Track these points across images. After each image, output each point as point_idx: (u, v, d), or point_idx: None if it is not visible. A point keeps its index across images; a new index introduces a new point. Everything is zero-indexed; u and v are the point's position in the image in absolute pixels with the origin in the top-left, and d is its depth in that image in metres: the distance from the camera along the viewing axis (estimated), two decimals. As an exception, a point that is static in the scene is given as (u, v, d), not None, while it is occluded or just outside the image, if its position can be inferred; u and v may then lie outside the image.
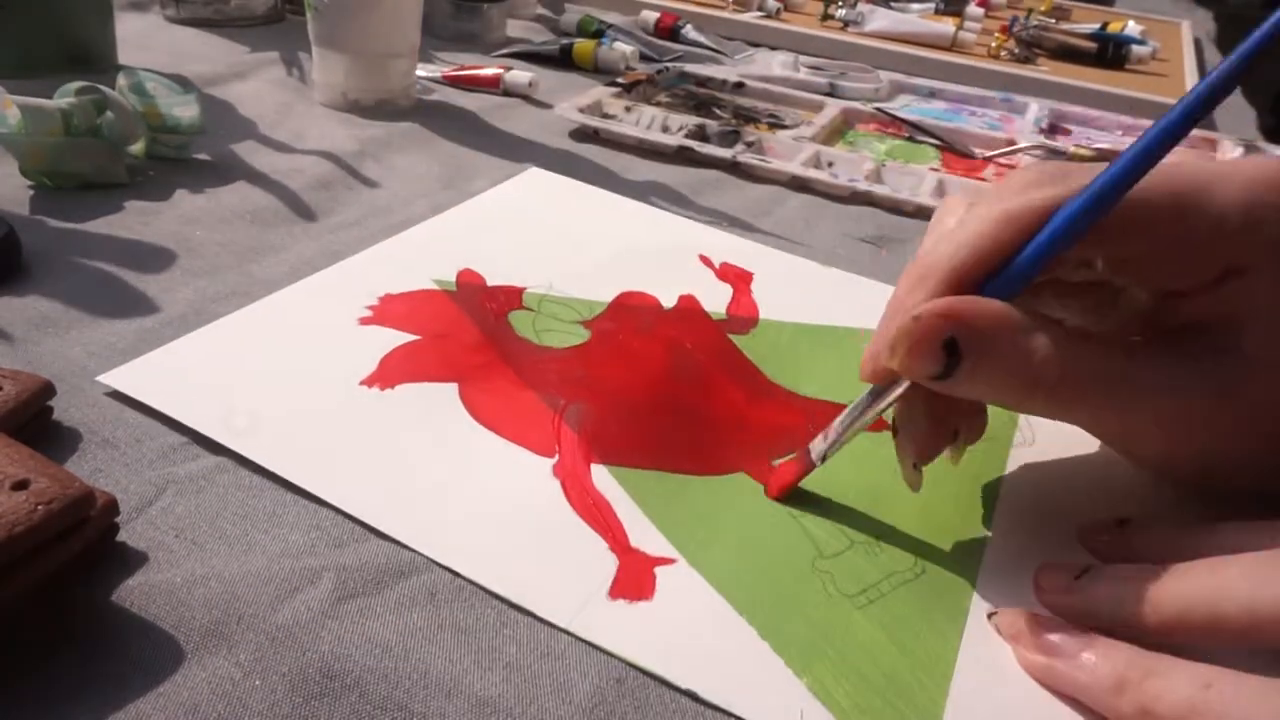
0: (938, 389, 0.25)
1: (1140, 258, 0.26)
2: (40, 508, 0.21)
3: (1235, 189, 0.25)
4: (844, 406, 0.33)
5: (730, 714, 0.22)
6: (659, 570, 0.25)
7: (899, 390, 0.26)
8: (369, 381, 0.31)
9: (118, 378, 0.30)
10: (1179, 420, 0.25)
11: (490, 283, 0.38)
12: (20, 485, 0.21)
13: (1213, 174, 0.25)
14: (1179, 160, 0.24)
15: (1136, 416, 0.25)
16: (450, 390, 0.31)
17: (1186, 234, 0.25)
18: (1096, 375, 0.25)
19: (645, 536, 0.26)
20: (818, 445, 0.27)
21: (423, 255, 0.39)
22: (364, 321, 0.34)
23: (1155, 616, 0.23)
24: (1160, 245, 0.25)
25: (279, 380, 0.30)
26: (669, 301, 0.38)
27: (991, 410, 0.33)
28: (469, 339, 0.34)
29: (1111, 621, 0.24)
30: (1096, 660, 0.22)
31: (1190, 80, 0.81)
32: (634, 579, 0.25)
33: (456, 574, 0.24)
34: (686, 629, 0.23)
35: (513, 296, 0.37)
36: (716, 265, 0.41)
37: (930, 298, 0.25)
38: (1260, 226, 0.24)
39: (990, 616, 0.25)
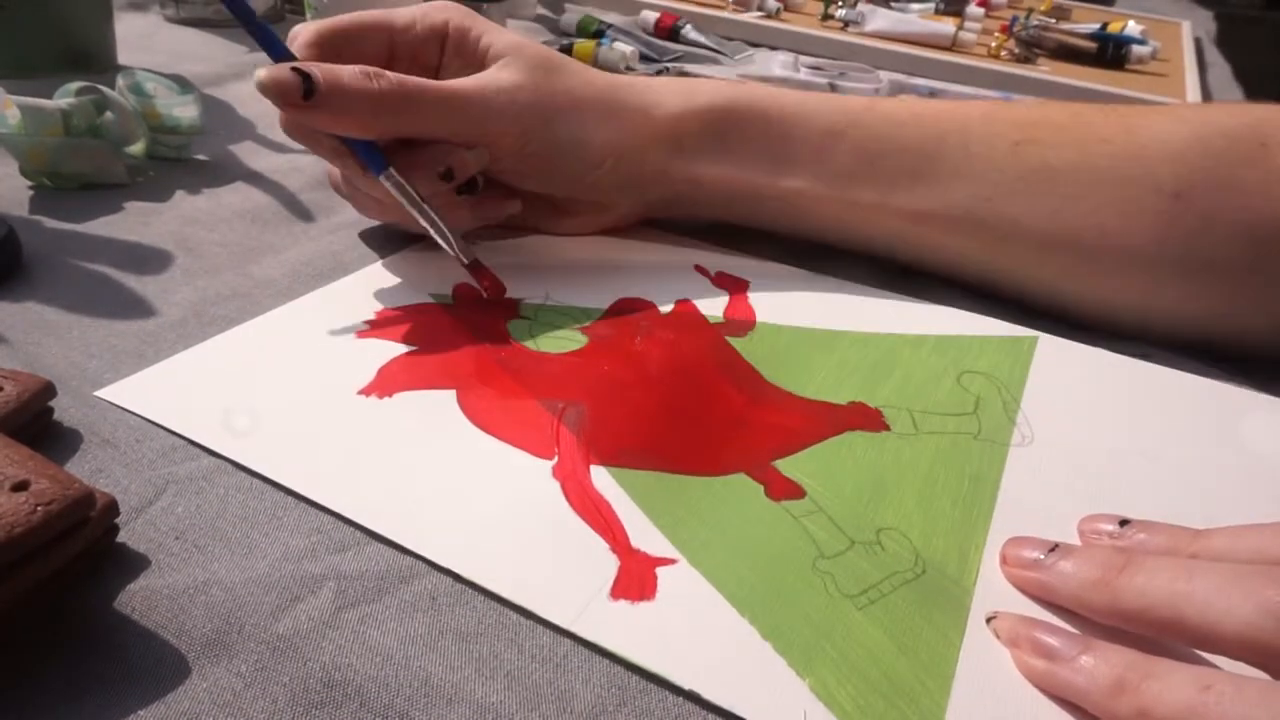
0: (308, 117, 0.34)
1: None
2: (40, 509, 0.21)
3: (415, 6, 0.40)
4: (842, 406, 0.33)
5: (733, 715, 0.21)
6: (660, 571, 0.25)
7: (393, 186, 0.35)
8: (367, 391, 0.31)
9: (116, 393, 0.30)
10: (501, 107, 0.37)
11: (486, 296, 0.38)
12: (20, 486, 0.21)
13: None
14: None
15: (466, 107, 0.36)
16: (448, 396, 0.31)
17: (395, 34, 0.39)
18: (417, 79, 0.35)
19: (646, 537, 0.26)
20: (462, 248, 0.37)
21: (419, 272, 0.39)
22: (361, 335, 0.34)
23: (1114, 606, 0.23)
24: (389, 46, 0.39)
25: (278, 393, 0.30)
26: (665, 306, 0.38)
27: (991, 411, 0.33)
28: (467, 347, 0.34)
29: (1070, 602, 0.24)
30: (1095, 663, 0.22)
31: (1190, 79, 0.81)
32: (635, 580, 0.25)
33: (458, 577, 0.24)
34: (688, 630, 0.23)
35: (509, 306, 0.37)
36: (712, 274, 0.41)
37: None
38: None
39: (989, 621, 0.25)
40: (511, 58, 0.38)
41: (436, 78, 0.38)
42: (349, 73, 0.33)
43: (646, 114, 0.40)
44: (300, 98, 0.32)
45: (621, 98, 0.40)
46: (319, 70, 0.33)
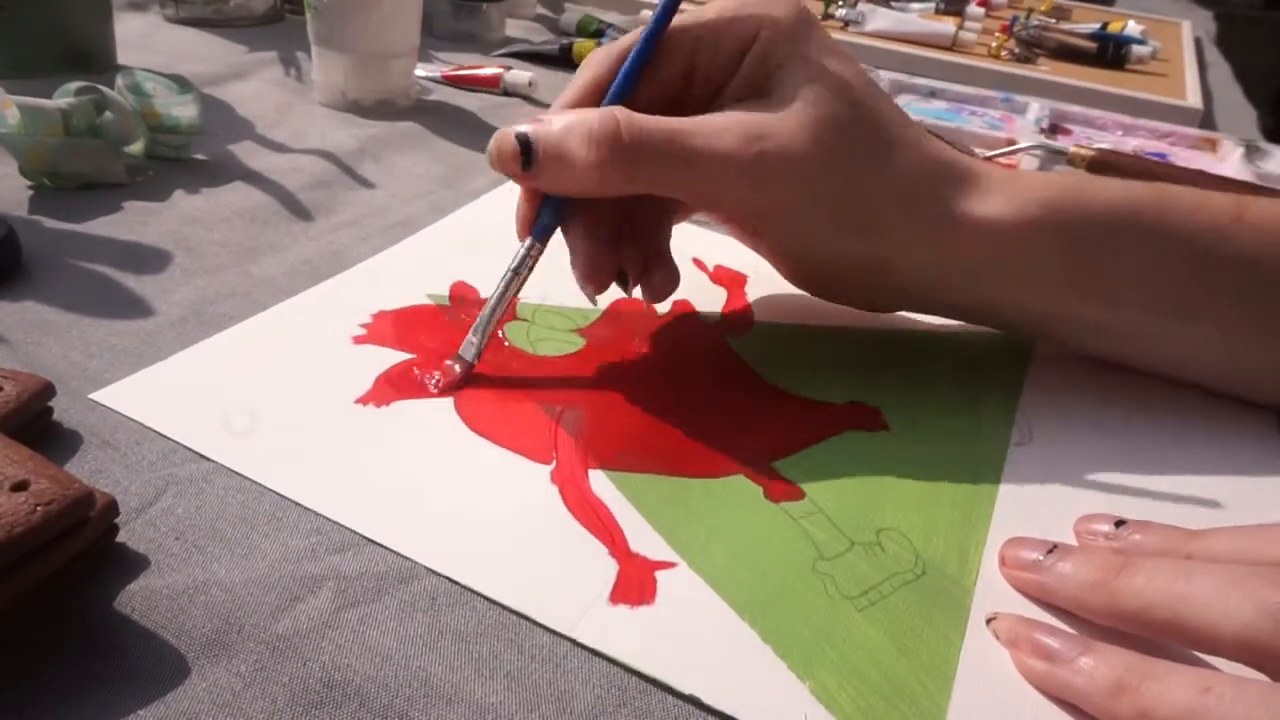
0: (527, 183, 0.31)
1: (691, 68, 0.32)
2: (40, 509, 0.21)
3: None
4: (840, 406, 0.33)
5: (734, 719, 0.21)
6: (660, 574, 0.25)
7: (523, 251, 0.32)
8: (364, 400, 0.31)
9: (111, 396, 0.29)
10: (745, 164, 0.29)
11: (483, 295, 0.37)
12: (20, 486, 0.21)
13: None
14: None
15: (707, 167, 0.29)
16: (446, 401, 0.31)
17: (704, 36, 0.31)
18: (661, 128, 0.29)
19: (645, 541, 0.26)
20: (472, 341, 0.32)
21: (415, 270, 0.39)
22: (357, 340, 0.34)
23: (1112, 607, 0.23)
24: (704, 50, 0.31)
25: (274, 398, 0.30)
26: (662, 307, 0.38)
27: (990, 409, 0.33)
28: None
29: (1069, 603, 0.25)
30: (1094, 664, 0.22)
31: (1190, 79, 0.81)
32: (635, 584, 0.25)
33: (458, 581, 0.24)
34: (688, 633, 0.23)
35: (506, 308, 0.37)
36: (710, 269, 0.41)
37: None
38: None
39: (989, 622, 0.25)
40: (803, 104, 0.30)
41: (715, 104, 0.32)
42: (573, 137, 0.29)
43: (975, 231, 0.31)
44: (519, 168, 0.30)
45: (950, 202, 0.31)
46: (542, 140, 0.30)
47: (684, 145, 0.29)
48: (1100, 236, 0.32)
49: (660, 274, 0.34)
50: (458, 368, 0.32)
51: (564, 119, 0.30)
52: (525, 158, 0.30)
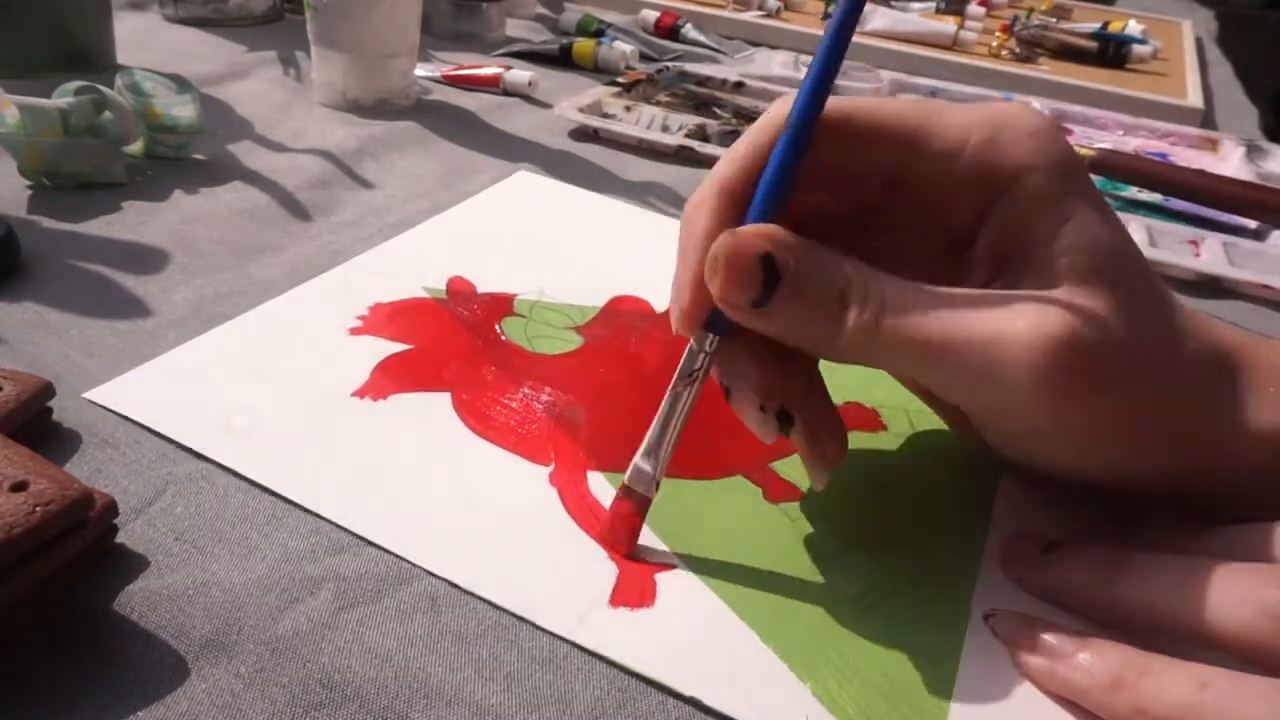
0: (751, 323, 0.23)
1: (899, 181, 0.25)
2: (39, 509, 0.21)
3: (977, 117, 0.24)
4: (838, 406, 0.33)
5: (733, 720, 0.21)
6: (659, 577, 0.25)
7: (696, 348, 0.25)
8: (361, 392, 0.31)
9: (106, 394, 0.29)
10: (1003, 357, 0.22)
11: (481, 289, 0.38)
12: (19, 486, 0.21)
13: (946, 106, 0.25)
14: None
15: (960, 356, 0.22)
16: (443, 400, 0.31)
17: (926, 146, 0.24)
18: (917, 305, 0.23)
19: (644, 543, 0.26)
20: (643, 468, 0.25)
21: (413, 263, 0.39)
22: (354, 332, 0.34)
23: (1113, 604, 0.23)
24: (908, 159, 0.25)
25: (270, 393, 0.30)
26: (661, 305, 0.38)
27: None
28: (461, 348, 0.34)
29: (1074, 603, 0.25)
30: (1093, 660, 0.22)
31: (1191, 79, 0.81)
32: (634, 586, 0.25)
33: (457, 585, 0.24)
34: (689, 636, 0.23)
35: (504, 303, 0.37)
36: None
37: (710, 216, 0.24)
38: (1004, 149, 0.24)
39: (987, 618, 0.25)
40: (1092, 287, 0.23)
41: (962, 254, 0.25)
42: (823, 291, 0.23)
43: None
44: (749, 304, 0.23)
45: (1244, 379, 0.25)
46: (791, 274, 0.22)
47: (948, 340, 0.22)
48: None
49: (825, 425, 0.26)
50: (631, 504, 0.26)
51: (804, 262, 0.23)
52: (762, 294, 0.22)
